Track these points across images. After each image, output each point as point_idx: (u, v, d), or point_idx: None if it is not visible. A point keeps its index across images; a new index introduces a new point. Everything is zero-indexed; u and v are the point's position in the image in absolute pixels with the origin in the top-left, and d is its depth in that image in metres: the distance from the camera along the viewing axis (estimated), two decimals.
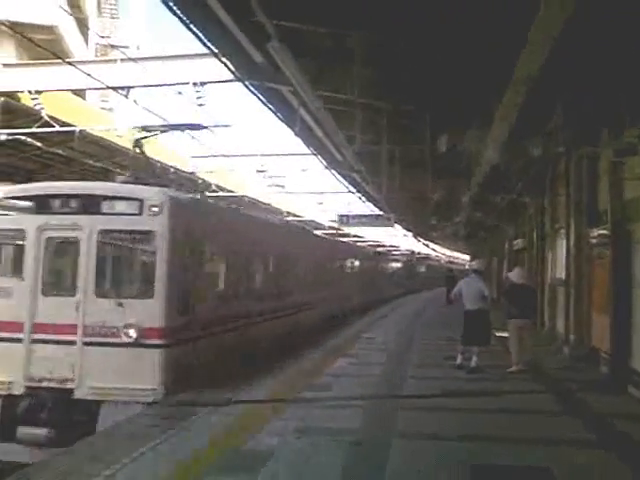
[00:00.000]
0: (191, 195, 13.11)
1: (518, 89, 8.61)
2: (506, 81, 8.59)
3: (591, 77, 9.30)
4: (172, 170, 22.98)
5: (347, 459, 6.22)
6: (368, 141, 14.97)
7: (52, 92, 15.92)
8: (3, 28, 20.93)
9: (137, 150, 11.59)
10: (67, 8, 24.64)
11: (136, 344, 8.50)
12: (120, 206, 9.02)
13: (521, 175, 17.88)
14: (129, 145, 19.86)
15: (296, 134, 14.12)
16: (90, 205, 9.06)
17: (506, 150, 12.64)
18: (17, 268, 9.19)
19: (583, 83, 9.60)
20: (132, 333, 8.48)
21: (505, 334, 12.70)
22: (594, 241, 12.91)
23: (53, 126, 16.13)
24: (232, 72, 11.53)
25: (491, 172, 15.44)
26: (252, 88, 12.31)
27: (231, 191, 26.99)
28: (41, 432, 7.99)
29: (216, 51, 10.62)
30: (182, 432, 7.13)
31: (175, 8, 8.52)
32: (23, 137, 16.91)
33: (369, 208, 29.60)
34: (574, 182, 14.07)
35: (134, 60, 13.90)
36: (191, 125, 12.96)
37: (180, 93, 14.47)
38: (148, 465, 5.98)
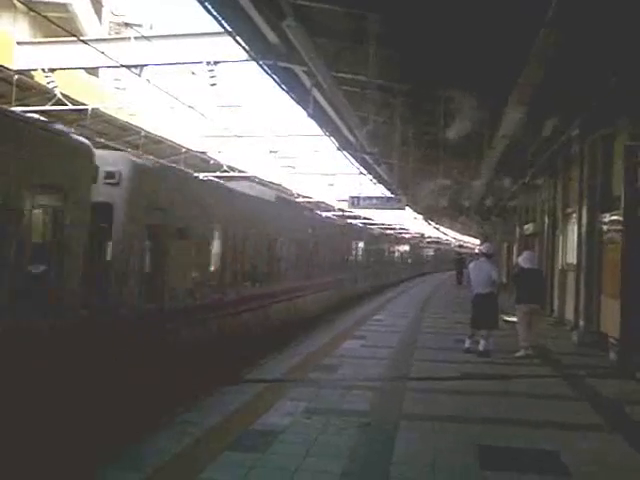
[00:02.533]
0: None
1: (535, 69, 8.53)
2: (523, 61, 8.52)
3: (609, 60, 9.21)
4: (183, 150, 23.05)
5: (356, 440, 6.28)
6: (381, 123, 14.91)
7: (65, 70, 15.93)
8: (18, 6, 20.92)
9: None
10: None
11: None
12: None
13: (534, 159, 17.78)
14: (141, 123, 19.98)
15: (309, 115, 14.06)
16: None
17: (520, 131, 12.54)
18: None
19: (601, 66, 9.51)
20: None
21: (514, 318, 12.71)
22: (606, 226, 12.85)
23: (66, 104, 16.16)
24: (246, 51, 11.47)
25: (504, 155, 15.36)
26: (266, 68, 12.25)
27: (243, 171, 26.97)
28: None
29: (230, 30, 10.57)
30: (195, 412, 7.23)
31: None
32: (36, 115, 16.92)
33: (380, 190, 29.50)
34: (588, 166, 13.99)
35: (147, 38, 13.86)
36: None
37: (194, 73, 14.44)
38: (162, 444, 6.06)
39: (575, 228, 15.17)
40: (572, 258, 15.62)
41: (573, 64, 9.36)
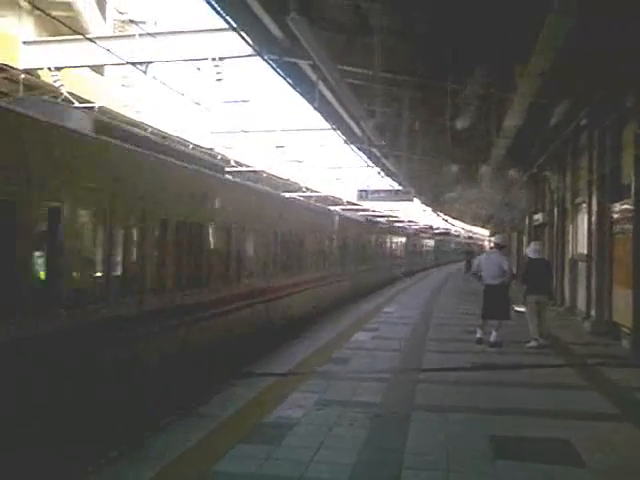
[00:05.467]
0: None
1: (543, 57, 8.48)
2: (530, 50, 8.46)
3: (618, 48, 9.14)
4: (191, 146, 23.06)
5: (369, 431, 6.28)
6: (388, 115, 14.87)
7: (71, 69, 15.96)
8: (23, 4, 20.94)
9: None
10: None
11: None
12: None
13: (542, 148, 17.68)
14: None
15: (315, 109, 14.04)
16: None
17: (528, 119, 12.47)
18: None
19: (611, 52, 9.44)
20: None
21: (524, 309, 12.68)
22: (616, 216, 12.76)
23: (72, 102, 16.19)
24: (251, 46, 11.46)
25: (512, 145, 15.28)
26: (271, 63, 12.24)
27: (250, 166, 26.96)
28: None
29: (235, 25, 10.55)
30: (208, 405, 7.26)
31: None
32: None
33: (388, 183, 29.46)
34: (597, 155, 13.89)
35: (152, 35, 13.86)
36: None
37: (199, 69, 14.44)
38: (176, 437, 6.09)
39: (585, 217, 15.08)
40: (583, 248, 15.54)
41: (581, 51, 9.29)
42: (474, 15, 9.00)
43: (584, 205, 15.45)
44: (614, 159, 13.02)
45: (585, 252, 14.90)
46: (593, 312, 13.66)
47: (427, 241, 58.80)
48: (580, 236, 16.40)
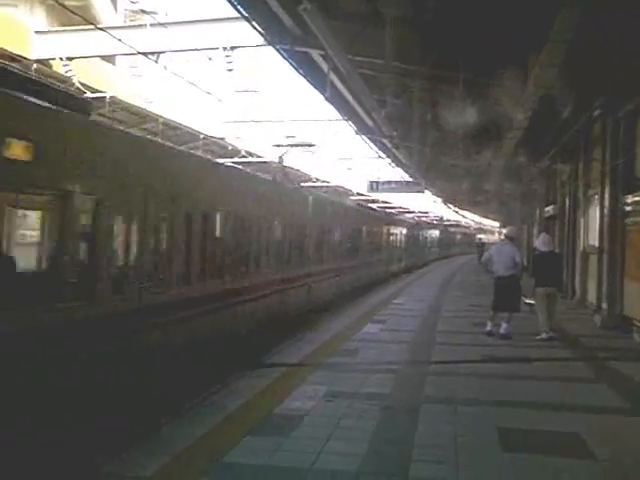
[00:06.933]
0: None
1: (556, 48, 8.40)
2: (543, 41, 8.38)
3: (632, 38, 9.04)
4: (202, 136, 23.09)
5: (378, 423, 6.30)
6: (400, 105, 14.80)
7: (83, 59, 15.98)
8: None
9: None
10: None
11: None
12: None
13: (554, 139, 17.55)
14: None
15: (326, 99, 13.98)
16: None
17: (540, 110, 12.38)
18: None
19: (624, 44, 9.34)
20: None
21: (533, 301, 12.63)
22: (629, 208, 12.67)
23: (84, 92, 16.22)
24: (262, 36, 11.42)
25: (524, 136, 15.18)
26: (282, 52, 12.20)
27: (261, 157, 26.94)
28: None
29: (246, 15, 10.52)
30: (218, 395, 7.30)
31: None
32: None
33: (399, 174, 29.37)
34: (610, 147, 13.78)
35: (164, 25, 13.85)
36: None
37: (210, 59, 14.42)
38: (186, 427, 6.13)
39: (597, 210, 14.98)
40: (594, 240, 15.45)
41: (594, 43, 9.20)
42: (486, 4, 8.92)
43: (596, 197, 15.34)
44: (627, 150, 12.91)
45: (597, 244, 14.81)
46: (604, 305, 13.59)
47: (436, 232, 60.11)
48: (592, 228, 16.30)
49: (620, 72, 10.55)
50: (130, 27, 16.90)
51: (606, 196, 13.88)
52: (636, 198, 12.05)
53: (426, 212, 58.17)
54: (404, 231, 37.97)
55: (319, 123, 24.33)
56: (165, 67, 14.93)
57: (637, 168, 12.42)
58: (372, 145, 22.33)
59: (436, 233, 58.72)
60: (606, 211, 13.81)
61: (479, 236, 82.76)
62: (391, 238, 33.34)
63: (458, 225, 78.78)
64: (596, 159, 15.38)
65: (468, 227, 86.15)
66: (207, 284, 9.65)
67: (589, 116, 14.38)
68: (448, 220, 69.44)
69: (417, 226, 46.30)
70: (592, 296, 15.37)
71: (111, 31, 13.79)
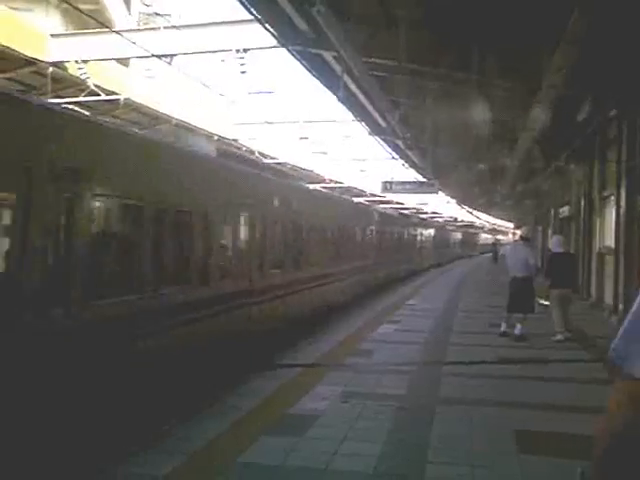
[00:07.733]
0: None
1: (570, 49, 8.36)
2: (556, 42, 8.34)
3: None
4: (216, 138, 23.12)
5: (393, 424, 6.29)
6: (413, 107, 14.78)
7: (97, 61, 16.10)
8: None
9: None
10: None
11: None
12: None
13: (569, 141, 17.43)
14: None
15: (339, 100, 14.00)
16: None
17: (555, 111, 12.31)
18: None
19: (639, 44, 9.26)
20: None
21: (548, 302, 12.56)
22: None
23: (99, 94, 16.34)
24: (275, 38, 11.45)
25: (538, 138, 15.10)
26: (295, 54, 12.22)
27: (274, 158, 26.99)
28: None
29: (259, 17, 10.55)
30: (234, 396, 7.33)
31: None
32: (71, 106, 17.16)
33: (412, 175, 29.29)
34: (626, 147, 13.67)
35: (177, 28, 13.91)
36: None
37: (223, 61, 14.46)
38: (201, 427, 6.16)
39: (613, 210, 14.86)
40: (610, 241, 15.32)
41: (609, 43, 9.13)
42: (499, 5, 8.89)
43: (612, 197, 15.22)
44: None
45: (612, 245, 14.69)
46: (621, 306, 13.47)
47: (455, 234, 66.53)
48: (607, 229, 16.17)
49: (636, 72, 10.45)
50: (144, 30, 17.00)
51: (622, 196, 13.77)
52: None
53: (454, 218, 60.57)
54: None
55: (332, 124, 24.35)
56: (178, 69, 15.00)
57: None
58: (385, 146, 22.31)
59: (459, 235, 65.72)
60: (622, 211, 13.70)
61: (496, 237, 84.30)
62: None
63: (477, 227, 78.88)
64: (612, 159, 15.27)
65: (482, 228, 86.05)
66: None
67: (605, 116, 14.27)
68: (466, 222, 69.51)
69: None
70: (608, 297, 15.24)
71: (125, 34, 13.91)
